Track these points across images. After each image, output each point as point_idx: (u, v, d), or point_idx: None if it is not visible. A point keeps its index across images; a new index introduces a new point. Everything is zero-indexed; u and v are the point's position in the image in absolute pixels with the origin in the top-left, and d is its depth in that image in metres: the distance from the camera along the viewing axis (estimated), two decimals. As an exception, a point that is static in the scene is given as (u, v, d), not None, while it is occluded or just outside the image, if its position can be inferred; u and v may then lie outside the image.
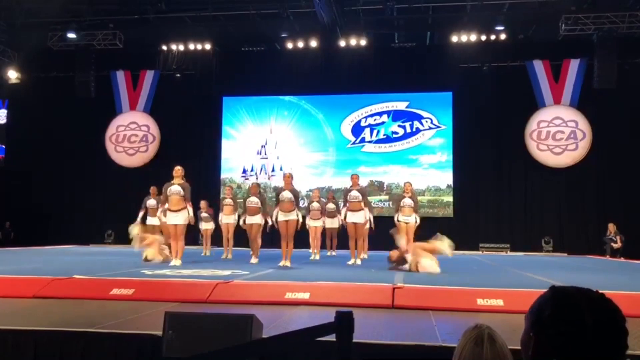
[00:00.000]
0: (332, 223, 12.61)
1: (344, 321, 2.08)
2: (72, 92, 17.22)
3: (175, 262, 8.84)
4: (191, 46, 17.10)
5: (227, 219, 11.83)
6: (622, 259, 13.35)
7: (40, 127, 17.36)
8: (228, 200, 11.93)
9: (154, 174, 17.58)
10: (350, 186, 10.10)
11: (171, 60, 17.47)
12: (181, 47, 17.18)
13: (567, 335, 1.27)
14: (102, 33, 16.67)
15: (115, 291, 5.53)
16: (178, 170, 9.03)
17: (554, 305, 1.33)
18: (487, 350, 1.61)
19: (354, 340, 2.19)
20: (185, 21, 16.34)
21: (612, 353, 1.28)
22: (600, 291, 1.37)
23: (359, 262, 9.86)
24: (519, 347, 1.43)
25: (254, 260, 10.13)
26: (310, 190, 17.14)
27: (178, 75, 17.67)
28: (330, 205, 12.65)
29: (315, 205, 12.34)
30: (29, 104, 17.24)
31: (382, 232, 15.23)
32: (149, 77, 17.75)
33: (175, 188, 8.89)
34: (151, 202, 11.56)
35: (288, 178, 9.51)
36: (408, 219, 10.26)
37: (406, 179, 16.74)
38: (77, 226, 17.23)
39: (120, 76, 17.87)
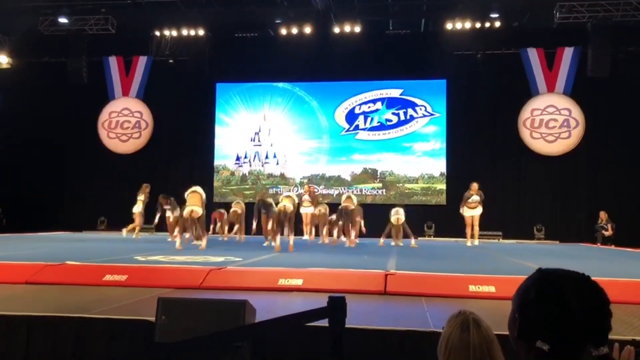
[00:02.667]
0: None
1: (336, 306, 2.09)
2: (64, 77, 17.07)
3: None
4: (184, 32, 16.97)
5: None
6: (613, 247, 13.46)
7: (31, 112, 17.21)
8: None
9: (147, 161, 17.56)
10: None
11: (164, 46, 17.32)
12: (174, 33, 17.05)
13: (551, 316, 1.30)
14: (94, 18, 16.51)
15: (108, 277, 5.54)
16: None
17: (539, 287, 1.35)
18: (473, 335, 1.63)
19: (348, 325, 2.20)
20: (178, 6, 16.18)
21: (596, 334, 1.30)
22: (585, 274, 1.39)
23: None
24: (507, 333, 1.45)
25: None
26: (304, 178, 17.23)
27: (171, 61, 17.53)
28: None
29: (306, 197, 13.61)
30: (20, 90, 17.08)
31: (376, 219, 15.38)
32: (141, 63, 17.61)
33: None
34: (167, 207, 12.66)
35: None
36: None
37: (400, 166, 16.90)
38: (69, 213, 17.16)
39: (113, 62, 17.72)
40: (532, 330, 1.32)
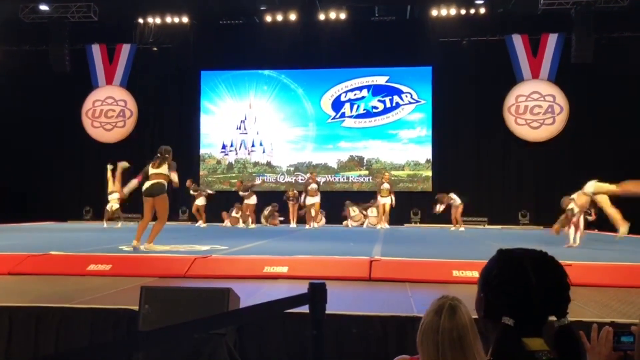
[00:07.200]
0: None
1: (317, 292, 2.10)
2: (46, 66, 16.81)
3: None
4: (168, 19, 16.77)
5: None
6: (596, 232, 13.63)
7: (14, 101, 16.94)
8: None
9: (131, 150, 17.39)
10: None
11: (148, 34, 17.11)
12: (158, 20, 16.84)
13: (513, 293, 1.36)
14: (75, 5, 16.24)
15: (93, 267, 5.51)
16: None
17: (500, 266, 1.41)
18: (444, 320, 1.64)
19: (331, 311, 2.22)
20: (161, -7, 16.00)
21: (557, 306, 1.37)
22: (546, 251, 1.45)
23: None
24: None
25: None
26: (291, 166, 17.23)
27: (155, 48, 17.34)
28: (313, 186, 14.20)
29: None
30: (1, 78, 16.79)
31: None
32: (125, 50, 17.40)
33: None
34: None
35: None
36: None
37: (386, 153, 16.94)
38: (54, 202, 17.00)
39: (96, 50, 17.48)
40: (497, 308, 1.38)
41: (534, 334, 1.37)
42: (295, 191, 15.12)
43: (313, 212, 14.02)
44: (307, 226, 13.93)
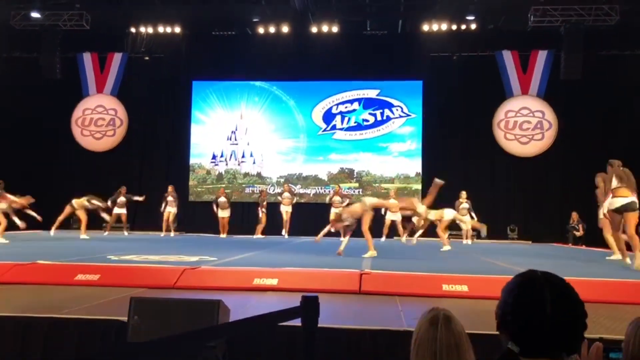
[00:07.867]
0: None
1: (309, 305, 2.10)
2: (36, 73, 16.71)
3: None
4: (160, 29, 16.78)
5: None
6: (584, 247, 13.72)
7: (2, 108, 16.83)
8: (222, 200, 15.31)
9: (121, 159, 17.33)
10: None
11: (140, 43, 17.11)
12: (150, 30, 16.85)
13: (525, 324, 1.34)
14: (68, 13, 16.20)
15: (80, 277, 5.45)
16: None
17: (521, 292, 1.39)
18: (441, 330, 1.65)
19: (321, 325, 2.21)
20: (154, 3, 15.99)
21: (569, 343, 1.34)
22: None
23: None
24: (481, 332, 1.48)
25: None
26: (281, 177, 17.22)
27: (147, 58, 17.32)
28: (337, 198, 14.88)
29: (286, 195, 15.39)
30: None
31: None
32: (116, 59, 17.37)
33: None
34: (222, 199, 15.25)
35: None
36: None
37: (376, 166, 17.00)
38: (41, 211, 16.77)
39: (87, 58, 17.43)
40: (507, 329, 1.36)
41: (539, 355, 1.35)
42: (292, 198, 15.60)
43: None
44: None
